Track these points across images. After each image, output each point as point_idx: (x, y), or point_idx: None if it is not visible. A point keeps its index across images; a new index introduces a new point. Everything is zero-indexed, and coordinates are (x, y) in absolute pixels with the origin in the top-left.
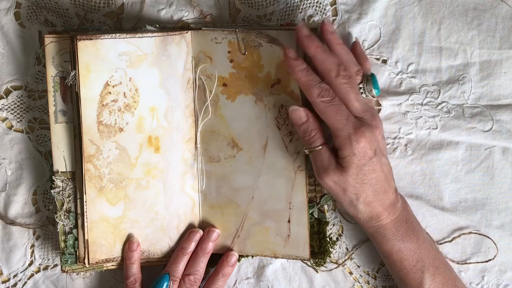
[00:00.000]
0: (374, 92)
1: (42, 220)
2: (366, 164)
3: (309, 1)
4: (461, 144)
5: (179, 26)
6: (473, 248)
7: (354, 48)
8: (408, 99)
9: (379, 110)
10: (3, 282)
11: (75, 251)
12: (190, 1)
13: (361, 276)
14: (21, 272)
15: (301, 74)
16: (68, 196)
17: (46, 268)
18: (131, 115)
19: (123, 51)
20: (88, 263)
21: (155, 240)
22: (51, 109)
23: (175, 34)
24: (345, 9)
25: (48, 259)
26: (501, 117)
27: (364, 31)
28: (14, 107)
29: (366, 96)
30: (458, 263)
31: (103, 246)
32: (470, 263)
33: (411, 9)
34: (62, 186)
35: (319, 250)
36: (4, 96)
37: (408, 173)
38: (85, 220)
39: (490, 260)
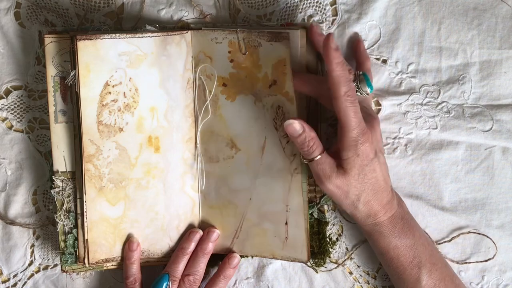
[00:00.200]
0: (368, 90)
1: (42, 220)
2: (368, 164)
3: (309, 1)
4: (461, 144)
5: (179, 26)
6: (472, 248)
7: (357, 46)
8: (408, 99)
9: (379, 110)
10: (3, 282)
11: (75, 251)
12: (190, 1)
13: (361, 276)
14: (21, 272)
15: (336, 67)
16: (68, 196)
17: (46, 268)
18: (131, 115)
19: (123, 51)
20: (88, 263)
21: (155, 240)
22: (51, 109)
23: (175, 34)
24: (345, 9)
25: (48, 259)
26: (501, 117)
27: (364, 31)
28: (14, 107)
29: (360, 94)
30: (458, 263)
31: (103, 246)
32: (470, 262)
33: (411, 9)
34: (62, 186)
35: (319, 250)
36: (4, 96)
37: (408, 173)
38: (85, 220)
39: (489, 259)
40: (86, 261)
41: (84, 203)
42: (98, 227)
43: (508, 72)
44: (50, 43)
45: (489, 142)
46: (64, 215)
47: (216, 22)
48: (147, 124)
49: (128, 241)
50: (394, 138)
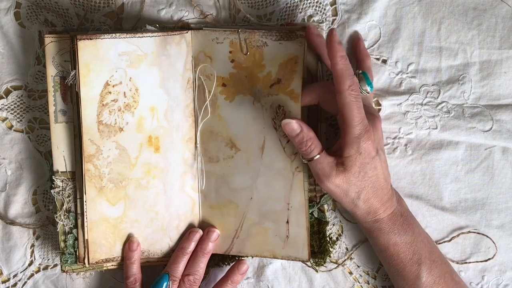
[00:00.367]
0: (368, 88)
1: (42, 220)
2: (369, 162)
3: (309, 1)
4: (461, 144)
5: (179, 26)
6: (472, 248)
7: (357, 44)
8: (408, 99)
9: (379, 110)
10: (3, 282)
11: (75, 251)
12: (190, 1)
13: (361, 276)
14: (21, 272)
15: (340, 60)
16: (68, 196)
17: (46, 268)
18: (131, 115)
19: (123, 50)
20: (88, 263)
21: (155, 240)
22: (51, 109)
23: (175, 34)
24: (345, 9)
25: (48, 259)
26: (501, 117)
27: (364, 31)
28: (14, 107)
29: (360, 93)
30: (458, 263)
31: (103, 246)
32: (469, 262)
33: (411, 9)
34: (62, 186)
35: (319, 250)
36: (4, 96)
37: (408, 173)
38: (85, 220)
39: (489, 259)
40: (86, 261)
41: (84, 203)
42: (98, 227)
43: (508, 72)
44: (50, 43)
45: (489, 142)
46: (64, 215)
47: (217, 22)
48: (147, 124)
49: (128, 241)
50: (394, 138)
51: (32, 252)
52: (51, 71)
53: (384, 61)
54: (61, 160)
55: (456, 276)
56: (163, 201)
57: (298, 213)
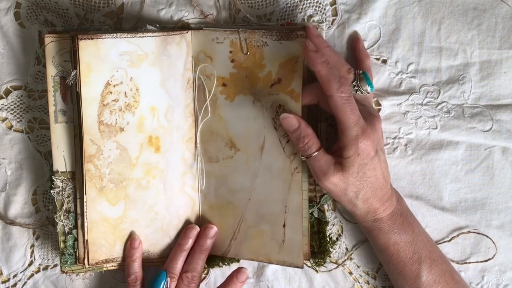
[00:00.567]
0: (368, 88)
1: (42, 220)
2: (368, 163)
3: (308, 1)
4: (461, 144)
5: (179, 26)
6: (472, 248)
7: (356, 44)
8: (408, 99)
9: (379, 110)
10: (3, 282)
11: (75, 252)
12: (190, 1)
13: (360, 276)
14: (21, 272)
15: (321, 67)
16: (68, 196)
17: (46, 268)
18: (131, 115)
19: (124, 50)
20: (88, 264)
21: (155, 240)
22: (51, 109)
23: (176, 34)
24: (345, 9)
25: (48, 259)
26: (501, 117)
27: (364, 31)
28: (14, 107)
29: (361, 93)
30: (458, 263)
31: (103, 247)
32: (469, 262)
33: (411, 9)
34: (62, 186)
35: (319, 250)
36: (4, 96)
37: (408, 173)
38: (85, 220)
39: (489, 259)
40: (86, 261)
41: (85, 203)
42: (98, 227)
43: (508, 72)
44: (50, 43)
45: (489, 142)
46: (64, 215)
47: (217, 22)
48: (147, 124)
49: (130, 238)
50: (394, 138)
51: (32, 252)
52: (51, 71)
53: (384, 61)
54: (61, 160)
55: (456, 275)
56: (163, 201)
57: (295, 216)
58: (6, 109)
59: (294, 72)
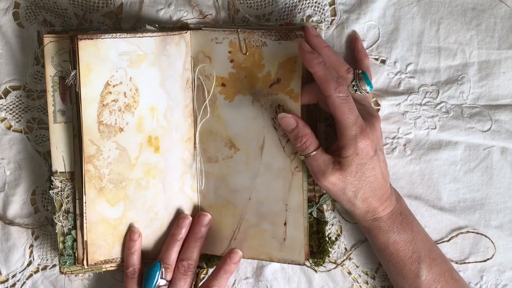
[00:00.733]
0: (368, 88)
1: (41, 220)
2: (367, 163)
3: (308, 1)
4: (460, 144)
5: (179, 26)
6: (471, 248)
7: (354, 44)
8: (407, 99)
9: (378, 110)
10: (1, 283)
11: (74, 253)
12: (189, 1)
13: (359, 276)
14: (19, 272)
15: (318, 67)
16: (67, 197)
17: (44, 268)
18: (131, 115)
19: (124, 50)
20: (87, 265)
21: (154, 240)
22: (50, 109)
23: (175, 34)
24: (344, 9)
25: (47, 259)
26: (500, 117)
27: (362, 31)
28: (13, 107)
29: (360, 93)
30: (456, 263)
31: (102, 247)
32: (468, 262)
33: (410, 9)
34: (61, 187)
35: (318, 250)
36: (2, 96)
37: (407, 173)
38: (84, 221)
39: (488, 259)
40: (85, 262)
41: (84, 204)
42: (97, 228)
43: (506, 72)
44: (49, 43)
45: (488, 142)
46: (63, 216)
47: (216, 22)
48: (147, 124)
49: (129, 231)
50: (393, 138)
51: (31, 252)
52: (50, 71)
53: (383, 61)
54: (60, 160)
55: (456, 274)
56: (163, 201)
57: (296, 214)
58: (5, 109)
59: (293, 72)
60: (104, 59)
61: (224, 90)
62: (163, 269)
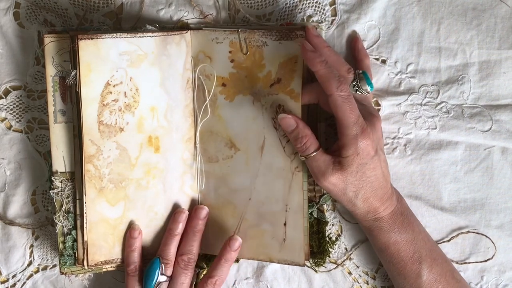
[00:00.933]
0: (368, 88)
1: (41, 220)
2: (367, 163)
3: (308, 1)
4: (460, 144)
5: (179, 26)
6: (472, 248)
7: (354, 44)
8: (407, 99)
9: (379, 110)
10: (2, 283)
11: (74, 253)
12: (189, 1)
13: (360, 276)
14: (20, 273)
15: (320, 66)
16: (67, 197)
17: (45, 268)
18: (131, 115)
19: (124, 50)
20: (87, 265)
21: (155, 240)
22: (51, 109)
23: (175, 34)
24: (344, 9)
25: (47, 259)
26: (500, 117)
27: (363, 31)
28: (13, 107)
29: (360, 93)
30: (457, 263)
31: (102, 248)
32: (469, 263)
33: (410, 9)
34: (61, 187)
35: (318, 250)
36: (3, 96)
37: (407, 173)
38: (85, 221)
39: (489, 259)
40: (85, 263)
41: (84, 204)
42: (97, 228)
43: (507, 72)
44: (49, 43)
45: (488, 142)
46: (63, 216)
47: (216, 22)
48: (147, 124)
49: (130, 228)
50: (393, 138)
51: (31, 252)
52: (51, 71)
53: (384, 61)
54: (60, 160)
55: (457, 274)
56: (163, 201)
57: (296, 215)
58: (6, 109)
59: (294, 72)
60: (104, 59)
61: (225, 90)
62: (162, 265)
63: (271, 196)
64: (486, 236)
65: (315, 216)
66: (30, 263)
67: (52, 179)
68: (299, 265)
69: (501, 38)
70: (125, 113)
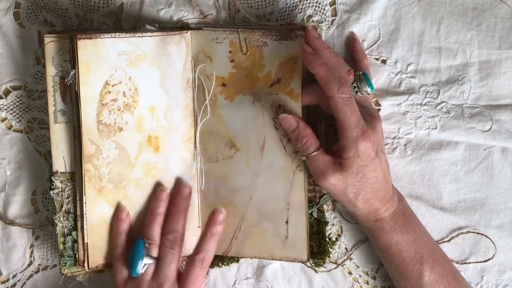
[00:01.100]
0: (369, 89)
1: (41, 220)
2: (368, 165)
3: (308, 1)
4: (460, 144)
5: (179, 26)
6: (472, 248)
7: (353, 45)
8: (407, 99)
9: (379, 110)
10: (2, 283)
11: (74, 254)
12: (189, 1)
13: (360, 276)
14: (20, 273)
15: (321, 68)
16: (67, 197)
17: (45, 268)
18: (130, 115)
19: (123, 50)
20: (88, 267)
21: None
22: (51, 109)
23: (175, 34)
24: (344, 9)
25: (48, 260)
26: (500, 117)
27: (363, 31)
28: (14, 107)
29: (361, 94)
30: (457, 263)
31: (103, 250)
32: (469, 263)
33: (411, 9)
34: (61, 187)
35: (318, 250)
36: (3, 96)
37: (408, 173)
38: (85, 222)
39: (489, 259)
40: (85, 264)
41: (84, 205)
42: (98, 229)
43: (507, 72)
44: (49, 43)
45: (488, 142)
46: (63, 216)
47: (216, 22)
48: (146, 123)
49: (117, 210)
50: (394, 138)
51: (32, 252)
52: (51, 71)
53: (384, 61)
54: (60, 160)
55: (458, 275)
56: None
57: (298, 213)
58: (6, 109)
59: (294, 72)
60: (103, 59)
61: (225, 90)
62: (147, 245)
63: (272, 195)
64: (486, 236)
65: (315, 216)
66: (30, 263)
67: (52, 179)
68: (302, 262)
69: (501, 38)
70: (124, 113)
